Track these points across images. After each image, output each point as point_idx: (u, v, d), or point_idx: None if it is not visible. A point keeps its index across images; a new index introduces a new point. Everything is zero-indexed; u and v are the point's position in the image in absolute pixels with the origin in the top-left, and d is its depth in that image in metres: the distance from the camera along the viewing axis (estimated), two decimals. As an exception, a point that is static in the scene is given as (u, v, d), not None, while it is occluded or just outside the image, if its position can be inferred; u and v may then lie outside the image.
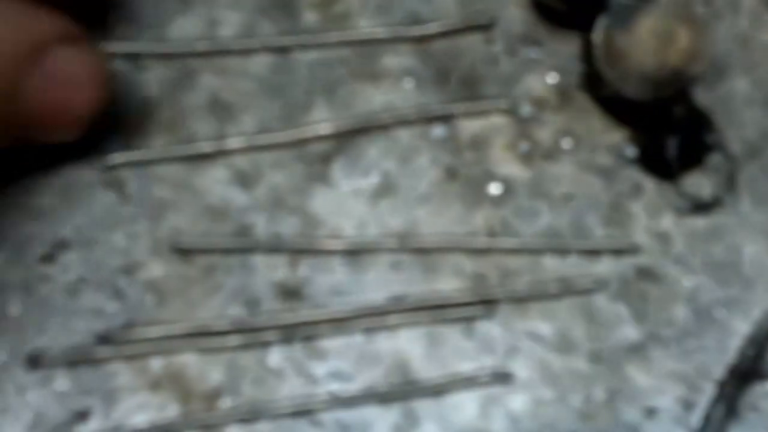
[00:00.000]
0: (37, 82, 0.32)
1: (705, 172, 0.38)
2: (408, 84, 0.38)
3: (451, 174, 0.38)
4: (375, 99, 0.38)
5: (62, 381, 0.36)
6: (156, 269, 0.37)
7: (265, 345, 0.37)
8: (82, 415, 0.36)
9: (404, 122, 0.38)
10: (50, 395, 0.36)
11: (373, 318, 0.37)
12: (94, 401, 0.36)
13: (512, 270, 0.37)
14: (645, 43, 0.36)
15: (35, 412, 0.36)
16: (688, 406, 0.37)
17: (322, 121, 0.38)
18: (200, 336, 0.36)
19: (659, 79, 0.36)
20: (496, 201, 0.38)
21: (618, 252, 0.38)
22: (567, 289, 0.37)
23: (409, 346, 0.37)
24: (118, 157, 0.37)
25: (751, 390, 0.37)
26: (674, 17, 0.36)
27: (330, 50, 0.38)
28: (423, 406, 0.36)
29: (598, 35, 0.37)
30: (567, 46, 0.39)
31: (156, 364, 0.36)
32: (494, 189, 0.38)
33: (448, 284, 0.37)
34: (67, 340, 0.36)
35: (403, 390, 0.36)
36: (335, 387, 0.36)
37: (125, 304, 0.37)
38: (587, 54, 0.37)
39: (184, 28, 0.38)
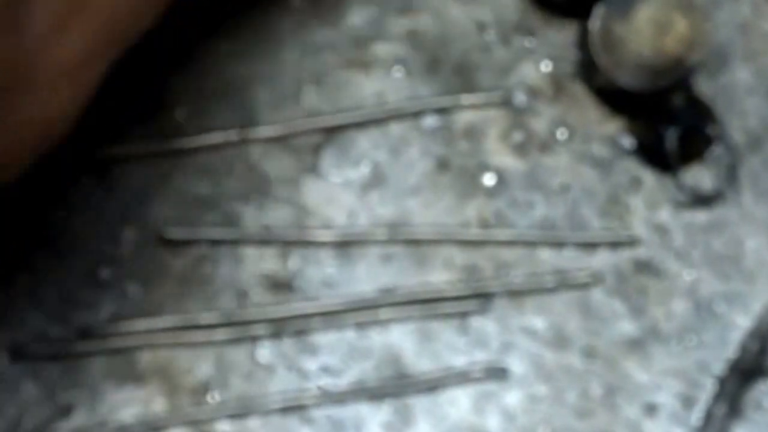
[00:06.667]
0: None
1: (705, 164, 0.38)
2: (398, 73, 0.38)
3: (444, 165, 0.37)
4: (365, 88, 0.38)
5: (45, 375, 0.36)
6: (142, 260, 0.37)
7: (255, 339, 0.36)
8: (65, 410, 0.35)
9: (396, 115, 0.37)
10: (33, 389, 0.35)
11: (365, 312, 0.36)
12: (78, 396, 0.35)
13: (506, 262, 0.37)
14: (643, 31, 0.36)
15: (17, 406, 0.35)
16: (688, 402, 0.36)
17: (311, 115, 0.37)
18: (188, 329, 0.36)
19: (657, 67, 0.36)
20: (490, 192, 0.37)
21: (615, 244, 0.37)
22: (563, 282, 0.37)
23: (401, 340, 0.36)
24: (104, 150, 0.37)
25: (755, 387, 0.37)
26: (673, 5, 0.36)
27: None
28: (416, 402, 0.36)
29: (595, 23, 0.36)
30: (562, 35, 0.38)
31: (142, 357, 0.36)
32: (488, 180, 0.37)
33: (440, 276, 0.37)
34: (50, 333, 0.36)
35: (395, 385, 0.36)
36: (326, 382, 0.36)
37: (110, 297, 0.36)
38: (583, 42, 0.37)
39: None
